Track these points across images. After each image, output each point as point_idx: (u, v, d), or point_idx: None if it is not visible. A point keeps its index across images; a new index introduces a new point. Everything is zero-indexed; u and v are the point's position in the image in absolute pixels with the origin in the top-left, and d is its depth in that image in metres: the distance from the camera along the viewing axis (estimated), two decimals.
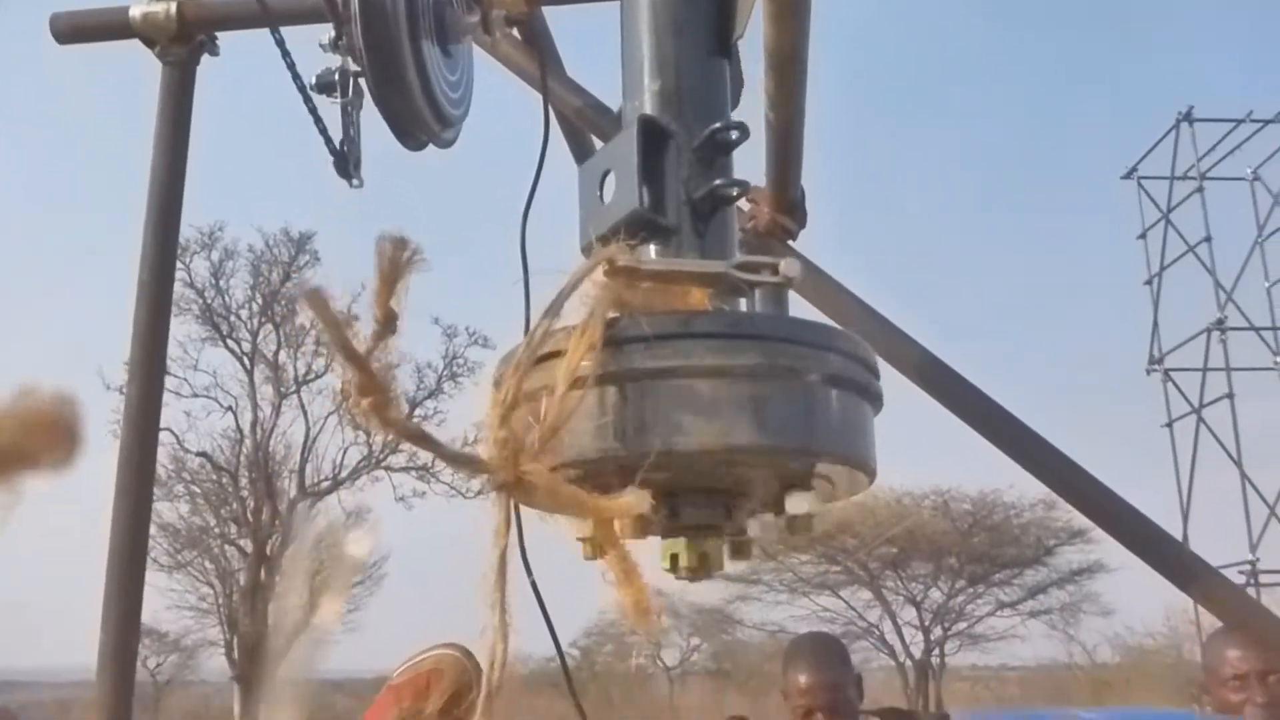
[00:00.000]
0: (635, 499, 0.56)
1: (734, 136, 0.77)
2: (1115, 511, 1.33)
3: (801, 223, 1.40)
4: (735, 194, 0.77)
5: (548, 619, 0.93)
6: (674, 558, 0.73)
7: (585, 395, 0.64)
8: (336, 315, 0.56)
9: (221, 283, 17.22)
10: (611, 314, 0.66)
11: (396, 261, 0.58)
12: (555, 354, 0.66)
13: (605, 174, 0.76)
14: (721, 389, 0.68)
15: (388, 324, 0.57)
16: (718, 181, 0.77)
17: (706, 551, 0.73)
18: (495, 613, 0.53)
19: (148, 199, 1.63)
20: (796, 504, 0.70)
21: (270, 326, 17.23)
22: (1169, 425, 12.05)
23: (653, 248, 0.76)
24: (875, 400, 0.76)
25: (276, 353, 17.39)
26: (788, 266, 0.71)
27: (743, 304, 0.76)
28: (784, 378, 0.69)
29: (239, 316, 17.25)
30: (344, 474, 17.50)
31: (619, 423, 0.67)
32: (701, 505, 0.73)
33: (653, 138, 0.75)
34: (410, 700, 1.14)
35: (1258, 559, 10.84)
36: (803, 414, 0.70)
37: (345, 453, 17.46)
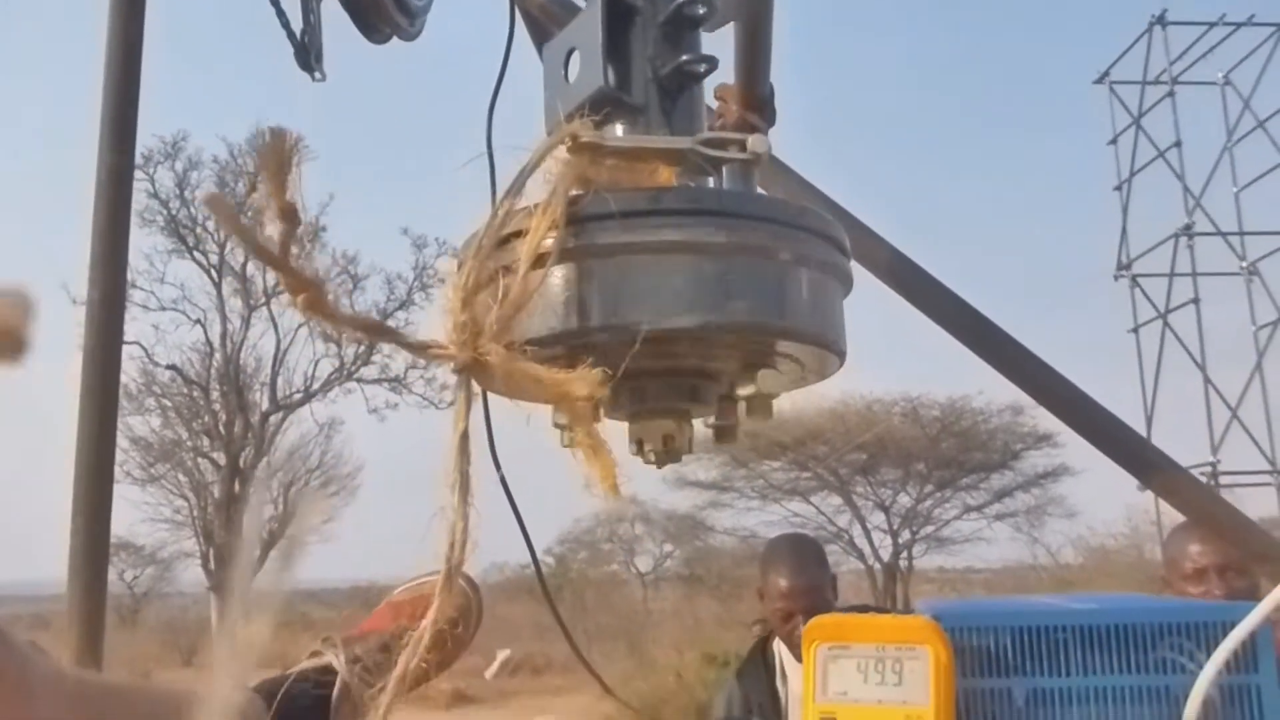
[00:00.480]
0: (592, 374, 0.55)
1: (701, 11, 0.75)
2: (1081, 408, 1.35)
3: (771, 120, 1.38)
4: (703, 70, 0.75)
5: (523, 526, 0.93)
6: (640, 442, 0.73)
7: (548, 274, 0.63)
8: (240, 219, 0.55)
9: (186, 194, 16.93)
10: (576, 192, 0.65)
11: (280, 154, 0.57)
12: (517, 234, 0.64)
13: (570, 52, 0.74)
14: (689, 266, 0.66)
15: (289, 218, 0.56)
16: (684, 58, 0.74)
17: (673, 435, 0.72)
18: (455, 493, 0.53)
19: (102, 102, 1.58)
20: (759, 383, 0.69)
21: None
22: (1135, 330, 12.17)
23: (619, 127, 0.74)
24: (845, 281, 0.75)
25: (244, 265, 17.19)
26: (755, 143, 0.69)
27: (711, 184, 0.75)
28: (753, 255, 0.68)
29: (205, 228, 16.99)
30: (315, 386, 17.45)
31: (583, 300, 0.66)
32: (668, 388, 0.72)
33: (618, 13, 0.72)
34: (409, 619, 1.14)
35: (1219, 460, 11.06)
36: (772, 293, 0.69)
37: (316, 365, 17.41)
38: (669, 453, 0.72)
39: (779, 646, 2.45)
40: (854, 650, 0.58)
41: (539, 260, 0.62)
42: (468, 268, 0.60)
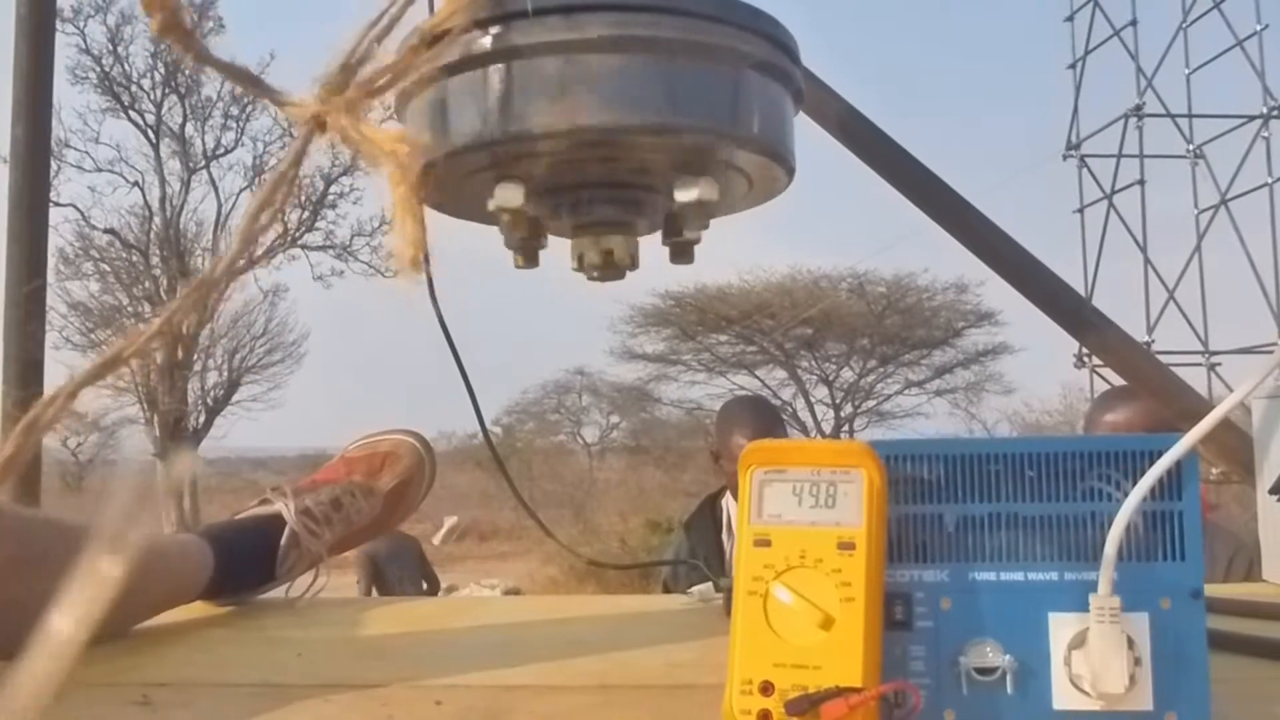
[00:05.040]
0: (416, 137, 0.53)
1: None
2: (1024, 267, 1.36)
3: None
4: None
5: (471, 393, 0.92)
6: (581, 257, 0.71)
7: (484, 74, 0.60)
8: None
9: (120, 50, 16.26)
10: None
11: None
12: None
13: None
14: (635, 64, 0.63)
15: None
16: None
17: (613, 249, 0.70)
18: (251, 220, 0.52)
19: None
20: (696, 190, 0.66)
21: (175, 98, 16.44)
22: (1081, 211, 12.27)
23: None
24: (797, 95, 0.72)
25: (183, 125, 16.69)
26: None
27: None
28: (704, 56, 0.65)
29: (141, 86, 16.38)
30: (259, 252, 17.10)
31: (515, 102, 0.62)
32: (609, 199, 0.70)
33: None
34: (362, 475, 1.14)
35: (1153, 340, 11.30)
36: (725, 97, 0.66)
37: (263, 235, 17.04)
38: (609, 268, 0.71)
39: (728, 503, 2.51)
40: (789, 474, 0.58)
41: (436, 40, 0.59)
42: (358, 35, 0.56)
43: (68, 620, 0.35)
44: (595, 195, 0.69)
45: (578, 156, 0.67)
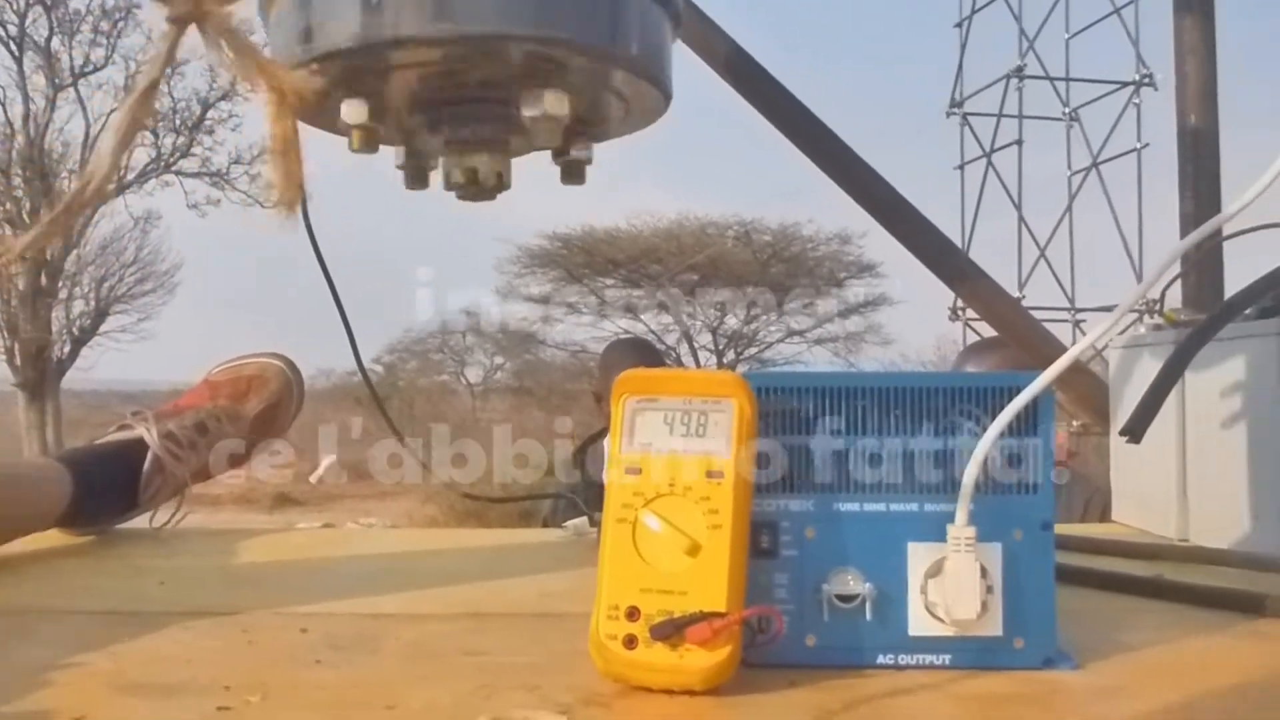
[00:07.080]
0: (310, 79, 0.51)
1: None
2: (902, 214, 1.39)
3: None
4: None
5: (349, 329, 0.90)
6: (448, 175, 0.70)
7: None
8: None
9: None
10: None
11: None
12: None
13: None
14: None
15: None
16: None
17: (481, 168, 0.68)
18: (117, 135, 0.50)
19: None
20: (546, 102, 0.65)
21: (40, 9, 15.54)
22: (961, 168, 12.55)
23: None
24: (676, 17, 0.71)
25: (49, 39, 15.80)
26: None
27: None
28: None
29: None
30: (130, 177, 16.42)
31: (388, 7, 0.60)
32: (478, 117, 0.68)
33: None
34: (227, 400, 1.10)
35: (1024, 296, 11.67)
36: (603, 12, 0.64)
37: (131, 154, 16.33)
38: (480, 187, 0.69)
39: (608, 444, 2.53)
40: (661, 403, 0.58)
41: None
42: None
43: None
44: (465, 111, 0.67)
45: (448, 68, 0.65)
